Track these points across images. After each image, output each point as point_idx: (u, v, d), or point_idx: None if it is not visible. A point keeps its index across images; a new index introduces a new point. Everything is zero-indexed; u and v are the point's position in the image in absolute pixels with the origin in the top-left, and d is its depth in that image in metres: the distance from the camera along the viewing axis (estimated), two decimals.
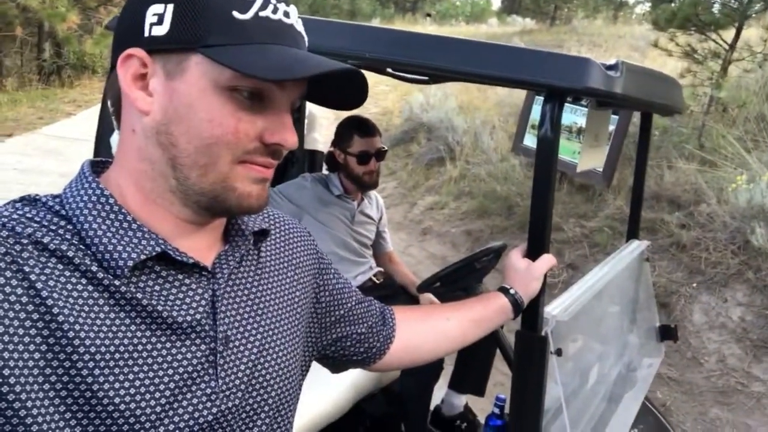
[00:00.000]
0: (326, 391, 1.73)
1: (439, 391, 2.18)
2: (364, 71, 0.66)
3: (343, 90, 0.68)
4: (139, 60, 0.61)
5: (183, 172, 0.62)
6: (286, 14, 0.62)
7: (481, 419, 2.11)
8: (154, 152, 0.62)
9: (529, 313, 1.12)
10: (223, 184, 0.62)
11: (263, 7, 0.60)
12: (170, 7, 0.59)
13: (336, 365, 0.96)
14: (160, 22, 0.59)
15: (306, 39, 0.66)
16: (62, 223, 0.61)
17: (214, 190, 0.63)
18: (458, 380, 2.18)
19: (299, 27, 0.65)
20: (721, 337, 3.42)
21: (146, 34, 0.60)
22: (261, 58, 0.58)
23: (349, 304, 0.92)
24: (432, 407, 2.13)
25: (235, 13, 0.59)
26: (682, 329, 3.48)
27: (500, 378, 2.84)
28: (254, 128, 0.62)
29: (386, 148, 2.22)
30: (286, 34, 0.62)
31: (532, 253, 1.12)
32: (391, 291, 2.26)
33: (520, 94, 6.64)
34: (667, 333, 1.79)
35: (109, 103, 0.69)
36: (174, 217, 0.65)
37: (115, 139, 0.69)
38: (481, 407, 2.33)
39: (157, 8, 0.59)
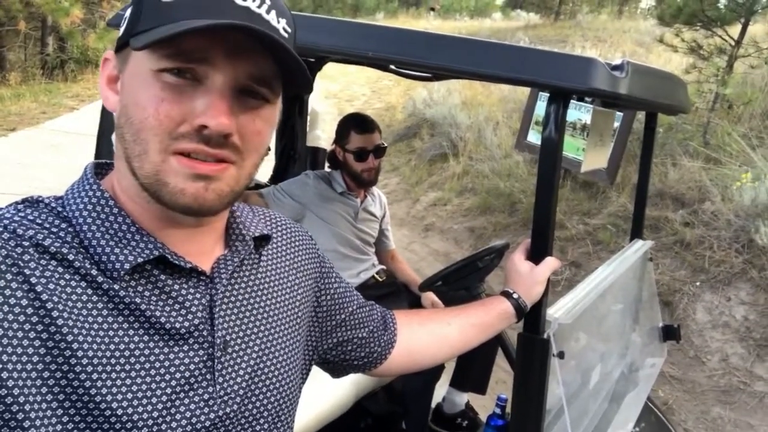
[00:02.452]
0: (327, 389, 1.73)
1: (441, 389, 2.18)
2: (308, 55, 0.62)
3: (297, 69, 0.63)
4: (112, 63, 0.65)
5: (131, 164, 0.61)
6: None
7: (483, 417, 2.11)
8: (119, 148, 0.63)
9: (532, 315, 1.11)
10: (156, 177, 0.59)
11: None
12: (131, 8, 0.62)
13: (336, 370, 0.95)
14: (124, 23, 0.63)
15: (268, 19, 0.60)
16: (63, 225, 0.61)
17: (151, 184, 0.60)
18: (460, 378, 2.18)
19: (249, 4, 0.59)
20: (724, 336, 3.41)
21: (118, 36, 0.64)
22: (163, 31, 0.56)
23: (350, 308, 0.91)
24: (433, 405, 2.13)
25: None
26: (685, 328, 3.47)
27: (502, 375, 2.84)
28: (179, 109, 0.58)
29: (385, 145, 2.21)
30: (216, 9, 0.57)
31: (536, 255, 1.11)
32: (393, 289, 2.26)
33: (524, 90, 6.61)
34: (670, 333, 1.78)
35: None
36: (156, 217, 0.63)
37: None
38: (483, 405, 2.33)
39: (127, 12, 0.63)
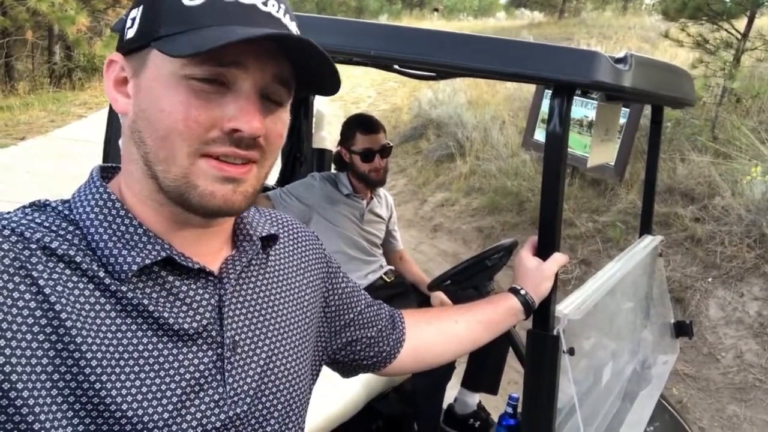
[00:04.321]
0: (338, 390, 1.72)
1: (452, 390, 2.17)
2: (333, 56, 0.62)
3: (323, 73, 0.64)
4: (119, 65, 0.64)
5: (152, 168, 0.61)
6: None
7: (495, 417, 2.09)
8: (134, 152, 0.62)
9: (541, 311, 1.10)
10: (185, 180, 0.60)
11: None
12: (140, 9, 0.61)
13: (346, 370, 0.95)
14: (132, 25, 0.62)
15: (285, 23, 0.62)
16: (70, 228, 0.61)
17: (178, 187, 0.60)
18: (471, 379, 2.17)
19: (270, 9, 0.61)
20: (738, 333, 3.37)
21: (125, 38, 0.63)
22: (194, 39, 0.56)
23: (358, 308, 0.91)
24: (445, 406, 2.12)
25: (185, 1, 0.58)
26: (697, 325, 3.43)
27: (513, 376, 2.82)
28: (208, 115, 0.59)
29: (391, 145, 2.21)
30: (242, 15, 0.59)
31: (543, 251, 1.10)
32: (401, 290, 2.25)
33: (529, 88, 6.59)
34: (682, 329, 1.77)
35: None
36: (167, 219, 0.64)
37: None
38: (495, 405, 2.32)
39: (133, 13, 0.63)
